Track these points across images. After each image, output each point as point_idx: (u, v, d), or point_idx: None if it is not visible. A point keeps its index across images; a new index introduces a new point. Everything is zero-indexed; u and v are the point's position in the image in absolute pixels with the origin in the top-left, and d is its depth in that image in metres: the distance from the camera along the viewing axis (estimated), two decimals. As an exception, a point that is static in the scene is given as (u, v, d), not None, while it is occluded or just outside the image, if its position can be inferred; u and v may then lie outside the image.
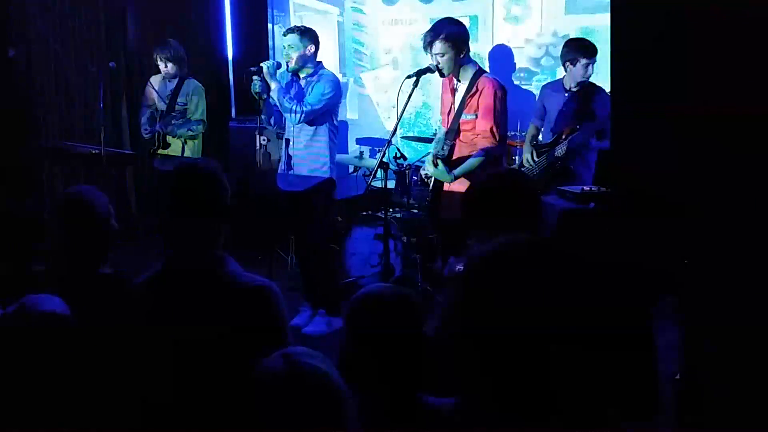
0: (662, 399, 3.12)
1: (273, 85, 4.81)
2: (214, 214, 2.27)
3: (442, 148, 4.49)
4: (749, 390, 2.78)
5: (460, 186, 4.22)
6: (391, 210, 5.25)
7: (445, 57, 4.36)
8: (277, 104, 4.89)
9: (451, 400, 2.02)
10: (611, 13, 3.25)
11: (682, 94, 2.89)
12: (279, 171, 5.11)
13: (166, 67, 5.77)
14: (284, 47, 4.93)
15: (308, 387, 1.49)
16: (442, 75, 4.47)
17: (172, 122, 5.73)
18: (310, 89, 4.88)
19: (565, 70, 5.13)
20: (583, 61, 5.01)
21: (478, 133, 4.39)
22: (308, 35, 4.91)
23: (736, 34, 2.78)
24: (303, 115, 4.78)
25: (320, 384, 1.50)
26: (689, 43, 2.85)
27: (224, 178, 2.30)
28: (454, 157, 4.46)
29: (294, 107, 4.77)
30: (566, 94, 5.14)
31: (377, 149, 6.26)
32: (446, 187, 4.46)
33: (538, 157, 5.08)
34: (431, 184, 4.61)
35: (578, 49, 5.07)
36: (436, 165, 4.38)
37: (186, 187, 2.29)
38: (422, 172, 4.75)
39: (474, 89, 4.40)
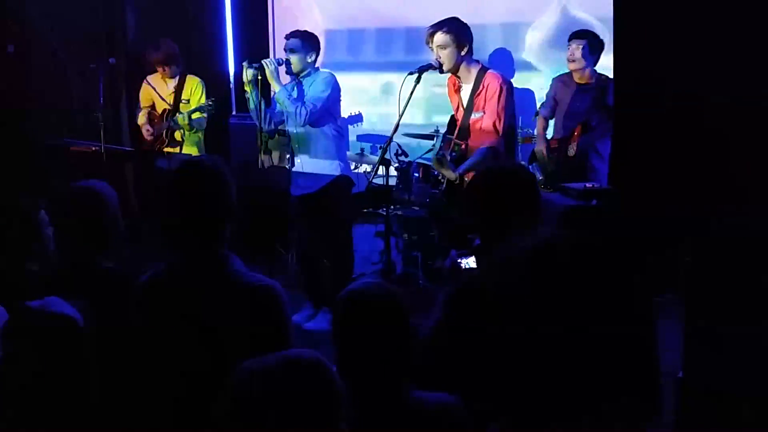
0: (663, 398, 3.10)
1: (276, 87, 4.79)
2: (219, 212, 2.25)
3: (453, 150, 4.46)
4: (751, 389, 2.77)
5: None
6: (392, 207, 5.24)
7: (446, 50, 4.35)
8: (281, 106, 4.87)
9: (442, 395, 2.03)
10: (614, 8, 3.23)
11: (685, 90, 2.88)
12: (288, 166, 5.09)
13: (164, 70, 5.76)
14: (286, 50, 4.92)
15: (303, 385, 1.48)
16: (442, 71, 4.46)
17: (182, 118, 5.71)
18: (307, 88, 4.87)
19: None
20: (571, 44, 5.01)
21: (483, 129, 4.39)
22: (310, 41, 4.89)
23: (738, 29, 2.77)
24: (308, 115, 4.76)
25: (316, 382, 1.49)
26: (692, 38, 2.84)
27: (229, 176, 2.28)
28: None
29: (298, 108, 4.75)
30: (575, 87, 5.12)
31: (378, 146, 6.24)
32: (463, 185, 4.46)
33: (551, 153, 5.07)
34: (445, 182, 4.60)
35: (570, 36, 5.08)
36: (441, 164, 4.37)
37: (191, 184, 2.28)
38: (421, 160, 4.75)
39: (480, 87, 4.40)
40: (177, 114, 5.72)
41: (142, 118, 5.94)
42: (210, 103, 5.70)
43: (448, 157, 4.43)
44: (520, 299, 1.21)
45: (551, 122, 5.45)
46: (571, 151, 4.92)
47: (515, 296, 1.21)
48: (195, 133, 5.81)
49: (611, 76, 4.98)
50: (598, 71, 5.11)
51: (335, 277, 4.99)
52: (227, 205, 2.27)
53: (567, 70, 5.24)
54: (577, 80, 5.12)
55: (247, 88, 4.89)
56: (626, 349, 1.19)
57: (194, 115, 5.71)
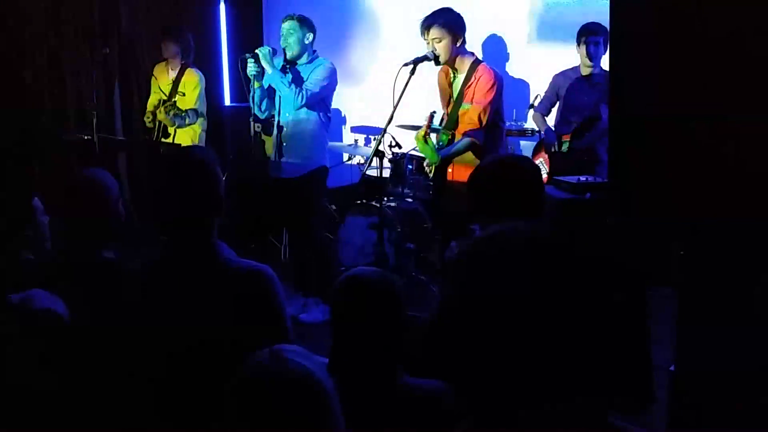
0: (656, 390, 3.12)
1: (269, 70, 4.78)
2: (206, 202, 2.25)
3: (448, 140, 4.47)
4: (742, 381, 2.78)
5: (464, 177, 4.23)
6: (385, 199, 5.24)
7: (442, 43, 4.36)
8: (275, 88, 4.86)
9: (434, 382, 2.05)
10: (610, 13, 3.22)
11: (680, 96, 2.89)
12: (271, 158, 5.10)
13: (165, 47, 5.75)
14: (282, 34, 4.90)
15: (291, 387, 1.48)
16: (438, 63, 4.46)
17: (172, 112, 5.69)
18: (307, 75, 4.87)
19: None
20: (584, 39, 5.02)
21: (465, 120, 4.41)
22: (307, 23, 4.89)
23: (735, 36, 2.77)
24: (302, 99, 4.76)
25: (304, 384, 1.49)
26: (688, 45, 2.84)
27: (217, 168, 2.28)
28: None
29: (295, 90, 4.75)
30: (581, 81, 5.12)
31: (372, 137, 6.23)
32: (449, 177, 4.47)
33: (560, 147, 5.10)
34: (431, 173, 4.60)
35: (582, 30, 5.08)
36: (426, 143, 4.35)
37: (177, 175, 2.27)
38: (415, 152, 4.76)
39: (472, 79, 4.41)
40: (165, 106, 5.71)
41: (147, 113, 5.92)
42: (196, 110, 5.68)
43: (435, 144, 4.44)
44: (466, 293, 1.22)
45: (547, 118, 5.46)
46: (583, 143, 4.95)
47: (461, 290, 1.23)
48: (187, 127, 5.79)
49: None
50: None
51: (312, 266, 5.03)
52: (214, 195, 2.26)
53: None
54: (584, 74, 5.13)
55: (255, 85, 4.88)
56: (597, 342, 1.19)
57: (171, 112, 5.70)
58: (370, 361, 2.03)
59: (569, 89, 5.21)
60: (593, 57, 5.06)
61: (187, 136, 5.77)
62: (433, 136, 4.49)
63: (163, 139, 5.77)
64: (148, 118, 5.84)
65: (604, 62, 5.12)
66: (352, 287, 2.10)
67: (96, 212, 2.57)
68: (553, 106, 5.41)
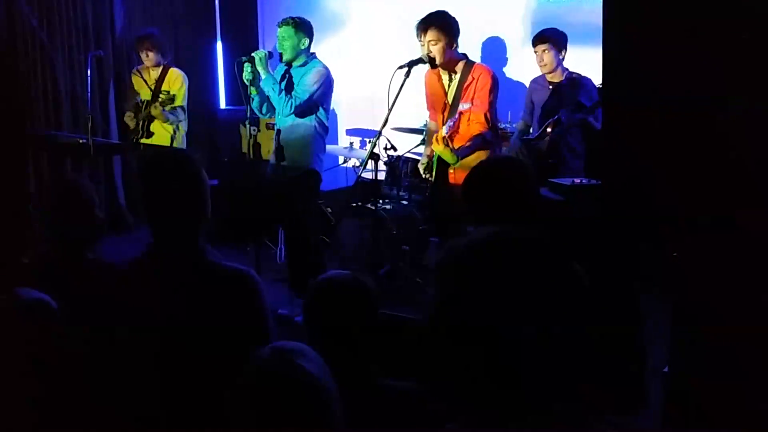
0: (650, 393, 3.13)
1: (263, 74, 4.78)
2: (190, 206, 2.25)
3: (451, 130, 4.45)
4: (736, 383, 2.79)
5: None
6: (380, 201, 5.24)
7: (438, 45, 4.36)
8: (267, 94, 4.87)
9: (410, 383, 2.06)
10: (603, 8, 3.23)
11: (674, 88, 2.89)
12: (270, 161, 5.10)
13: (147, 56, 5.75)
14: (278, 38, 4.89)
15: (298, 386, 1.48)
16: (433, 65, 4.46)
17: (169, 107, 5.68)
18: (299, 79, 4.86)
19: None
20: (537, 49, 5.05)
21: (473, 119, 4.41)
22: (303, 27, 4.86)
23: (730, 28, 2.78)
24: (290, 108, 4.76)
25: (310, 383, 1.49)
26: (682, 36, 2.85)
27: (201, 171, 2.27)
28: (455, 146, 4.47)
29: (284, 99, 4.75)
30: (549, 88, 5.16)
31: (367, 140, 6.24)
32: (451, 179, 4.46)
33: (527, 150, 5.11)
34: (431, 178, 4.60)
35: (533, 41, 5.13)
36: (446, 145, 4.30)
37: (161, 177, 2.27)
38: (420, 167, 4.74)
39: (470, 78, 4.42)
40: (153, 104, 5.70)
41: (129, 113, 5.91)
42: (184, 108, 5.70)
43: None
44: (447, 295, 1.23)
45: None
46: (543, 145, 4.97)
47: (443, 293, 1.24)
48: (170, 125, 5.78)
49: (581, 70, 5.06)
50: (570, 69, 5.15)
51: (305, 268, 5.02)
52: (199, 198, 2.26)
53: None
54: (550, 80, 5.16)
55: (252, 91, 4.88)
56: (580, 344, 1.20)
57: (168, 107, 5.70)
58: (343, 362, 2.03)
59: (540, 95, 5.26)
60: (545, 63, 5.08)
61: (168, 136, 5.76)
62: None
63: (144, 140, 5.76)
64: (129, 116, 5.82)
65: (571, 65, 5.16)
66: (323, 290, 2.12)
67: (72, 216, 2.59)
68: (533, 112, 5.44)
